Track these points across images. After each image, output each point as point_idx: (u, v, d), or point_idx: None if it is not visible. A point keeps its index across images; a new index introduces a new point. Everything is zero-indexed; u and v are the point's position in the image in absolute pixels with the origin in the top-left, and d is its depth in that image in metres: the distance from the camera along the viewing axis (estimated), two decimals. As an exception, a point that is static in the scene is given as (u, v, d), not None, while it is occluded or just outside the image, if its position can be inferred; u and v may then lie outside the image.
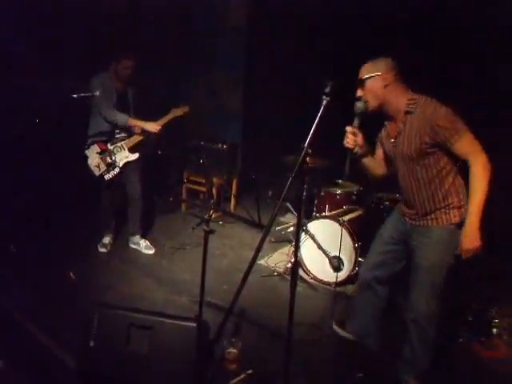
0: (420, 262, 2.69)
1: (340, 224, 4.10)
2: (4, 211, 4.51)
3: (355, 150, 2.67)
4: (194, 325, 2.61)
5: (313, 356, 3.19)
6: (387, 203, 4.56)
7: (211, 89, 6.90)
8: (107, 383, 2.73)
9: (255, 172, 5.53)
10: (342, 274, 4.15)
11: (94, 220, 4.82)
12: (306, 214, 4.72)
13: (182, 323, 2.64)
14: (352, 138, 2.63)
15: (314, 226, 4.31)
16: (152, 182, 4.70)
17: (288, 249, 4.70)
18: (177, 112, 4.50)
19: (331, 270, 4.18)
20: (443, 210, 2.61)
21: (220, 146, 5.83)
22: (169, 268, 4.45)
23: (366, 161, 2.81)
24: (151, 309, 3.02)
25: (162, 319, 2.69)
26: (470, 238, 2.46)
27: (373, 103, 2.59)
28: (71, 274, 4.07)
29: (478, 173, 2.41)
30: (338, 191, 4.64)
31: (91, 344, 2.69)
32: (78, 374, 2.80)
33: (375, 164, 2.88)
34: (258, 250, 2.22)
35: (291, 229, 5.11)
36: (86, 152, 4.43)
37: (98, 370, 2.70)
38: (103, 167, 4.43)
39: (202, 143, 5.94)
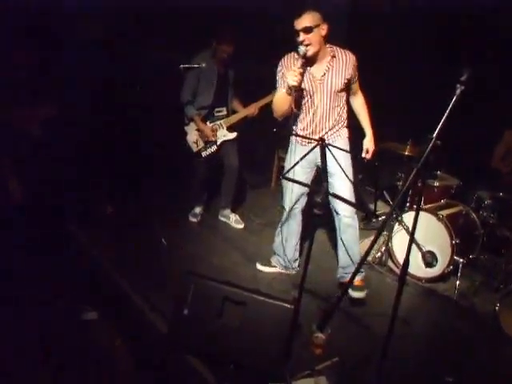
0: None
1: (439, 219, 3.92)
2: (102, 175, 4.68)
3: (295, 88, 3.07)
4: (291, 307, 2.59)
5: (400, 351, 3.09)
6: (489, 201, 4.35)
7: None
8: (196, 352, 2.78)
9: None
10: (435, 271, 3.98)
11: (185, 190, 4.91)
12: (398, 205, 4.56)
13: (279, 303, 2.62)
14: (300, 76, 3.04)
15: (409, 218, 4.15)
16: (242, 157, 4.69)
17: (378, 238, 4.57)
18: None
19: (423, 265, 4.02)
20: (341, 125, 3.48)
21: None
22: (257, 244, 4.46)
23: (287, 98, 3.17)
24: (240, 283, 3.03)
25: (257, 297, 2.68)
26: (372, 143, 3.57)
27: (314, 49, 3.10)
28: (163, 240, 4.17)
29: (364, 101, 3.58)
30: (437, 184, 4.44)
31: (185, 312, 2.74)
32: (168, 339, 2.87)
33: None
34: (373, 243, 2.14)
35: (383, 217, 4.96)
36: (186, 128, 4.51)
37: (189, 338, 2.76)
38: (201, 144, 4.50)
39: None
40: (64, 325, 3.10)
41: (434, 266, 3.99)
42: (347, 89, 3.39)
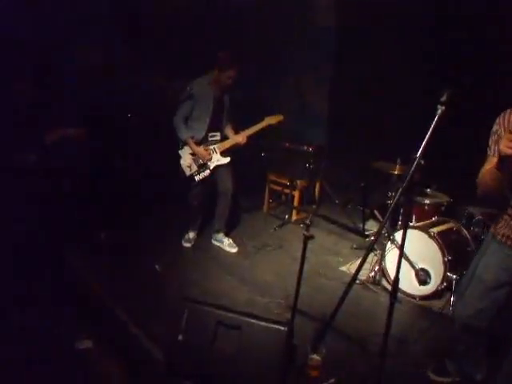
0: None
1: (430, 236, 3.95)
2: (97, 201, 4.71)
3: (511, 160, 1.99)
4: (284, 329, 2.59)
5: (396, 370, 3.09)
6: (480, 218, 4.37)
7: (298, 89, 6.88)
8: (193, 377, 2.77)
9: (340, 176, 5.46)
10: (429, 288, 4.00)
11: (178, 215, 4.94)
12: (390, 223, 4.60)
13: (273, 326, 2.63)
14: None
15: (400, 236, 4.18)
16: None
17: (371, 257, 4.59)
18: (270, 120, 4.59)
19: (417, 283, 4.04)
20: None
21: (305, 147, 5.79)
22: (251, 268, 4.48)
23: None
24: (234, 308, 3.04)
25: (251, 320, 2.69)
26: None
27: None
28: (157, 267, 4.19)
29: None
30: (427, 201, 4.48)
31: (180, 338, 2.74)
32: (165, 366, 2.87)
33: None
34: (360, 266, 2.15)
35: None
36: (180, 152, 4.56)
37: (185, 363, 2.75)
38: (194, 168, 4.54)
39: (288, 145, 5.93)
40: (60, 353, 3.08)
41: (428, 283, 4.01)
42: None
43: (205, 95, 4.40)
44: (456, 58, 5.02)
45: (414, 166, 1.92)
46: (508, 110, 2.28)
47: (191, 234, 4.85)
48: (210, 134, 4.56)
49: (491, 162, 2.19)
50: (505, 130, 2.12)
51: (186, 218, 4.89)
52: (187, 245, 4.80)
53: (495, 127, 2.32)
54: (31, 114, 4.06)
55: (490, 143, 2.35)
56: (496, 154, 2.17)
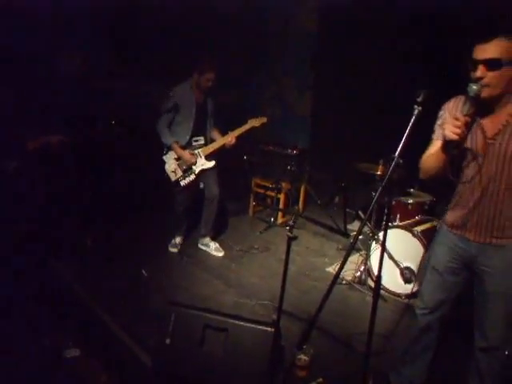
0: (492, 288, 2.35)
1: (414, 235, 4.01)
2: (81, 209, 4.70)
3: (454, 145, 2.14)
4: (271, 329, 2.62)
5: (383, 367, 3.12)
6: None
7: (279, 93, 6.94)
8: (181, 382, 2.79)
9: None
10: (414, 287, 4.05)
11: (163, 220, 4.95)
12: (375, 224, 4.65)
13: (259, 327, 2.66)
14: (464, 129, 2.10)
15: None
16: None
17: (357, 257, 4.63)
18: (254, 122, 4.59)
19: (402, 282, 4.09)
20: None
21: (290, 151, 5.83)
22: (237, 271, 4.50)
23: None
24: (221, 311, 3.06)
25: (238, 322, 2.72)
26: None
27: (494, 91, 2.12)
28: (143, 272, 4.19)
29: None
30: (410, 201, 4.54)
31: (167, 342, 2.75)
32: (152, 369, 2.87)
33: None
34: (343, 264, 2.18)
35: (361, 237, 5.04)
36: (164, 157, 4.57)
37: (173, 368, 2.77)
38: (179, 173, 4.55)
39: (272, 148, 5.96)
40: (48, 363, 3.07)
41: (413, 281, 4.06)
42: None
43: (187, 100, 4.43)
44: (436, 59, 5.09)
45: (392, 165, 1.95)
46: (459, 97, 2.35)
47: (177, 239, 4.86)
48: (194, 139, 4.57)
49: (435, 146, 2.30)
50: (450, 116, 2.19)
51: (172, 223, 4.90)
52: (174, 250, 4.80)
53: (441, 112, 2.42)
54: (14, 121, 4.06)
55: (434, 127, 2.44)
56: (441, 138, 2.27)
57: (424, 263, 2.63)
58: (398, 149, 2.00)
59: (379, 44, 5.72)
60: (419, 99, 2.04)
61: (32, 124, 4.17)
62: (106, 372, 3.02)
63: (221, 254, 4.81)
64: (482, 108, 2.18)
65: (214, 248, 4.84)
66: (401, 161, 1.96)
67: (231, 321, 2.73)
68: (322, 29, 6.53)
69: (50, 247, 4.31)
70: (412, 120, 2.05)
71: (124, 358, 3.16)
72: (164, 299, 3.06)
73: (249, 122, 4.60)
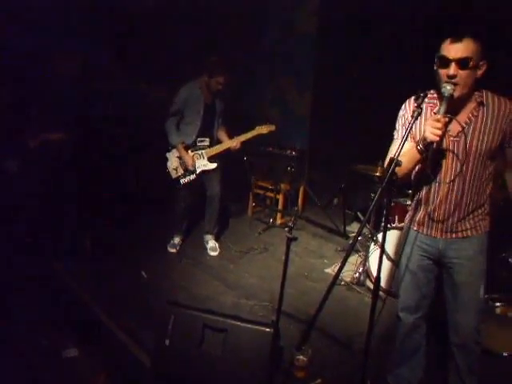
0: (463, 278, 2.41)
1: (412, 236, 4.01)
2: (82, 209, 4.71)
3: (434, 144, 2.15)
4: (270, 330, 2.62)
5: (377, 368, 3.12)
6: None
7: (279, 94, 6.94)
8: (180, 382, 2.79)
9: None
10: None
11: (163, 220, 4.96)
12: (374, 225, 4.66)
13: (258, 328, 2.66)
14: (444, 129, 2.14)
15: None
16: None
17: (355, 258, 4.64)
18: (261, 130, 4.61)
19: (400, 283, 4.09)
20: (481, 216, 2.39)
21: (289, 152, 5.84)
22: (237, 272, 4.51)
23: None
24: (221, 311, 3.06)
25: (237, 323, 2.72)
26: None
27: (464, 89, 2.16)
28: (143, 273, 4.19)
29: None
30: (409, 202, 4.54)
31: (166, 343, 2.76)
32: (152, 370, 2.88)
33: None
34: (342, 266, 2.18)
35: (359, 238, 5.04)
36: (167, 154, 4.60)
37: (172, 368, 2.77)
38: (180, 171, 4.57)
39: (271, 149, 5.97)
40: (47, 363, 3.07)
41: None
42: (495, 155, 2.32)
43: (195, 100, 4.45)
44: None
45: (392, 166, 1.96)
46: (421, 95, 2.27)
47: (176, 240, 4.86)
48: (199, 139, 4.58)
49: (397, 145, 2.17)
50: (412, 116, 2.14)
51: (171, 223, 4.91)
52: (172, 250, 4.81)
53: (402, 112, 2.44)
54: (14, 120, 4.07)
55: (396, 127, 2.47)
56: (411, 140, 2.32)
57: (399, 265, 2.65)
58: (398, 150, 2.00)
59: (379, 45, 5.73)
60: (419, 101, 2.05)
61: (32, 124, 4.19)
62: (105, 372, 3.03)
63: (215, 253, 4.83)
64: (449, 107, 2.17)
65: (209, 247, 4.86)
66: (400, 162, 1.97)
67: (230, 321, 2.74)
68: (322, 29, 6.52)
69: (50, 247, 4.31)
70: (412, 121, 2.06)
71: (123, 359, 3.17)
72: (163, 300, 3.05)
73: (256, 128, 4.61)
